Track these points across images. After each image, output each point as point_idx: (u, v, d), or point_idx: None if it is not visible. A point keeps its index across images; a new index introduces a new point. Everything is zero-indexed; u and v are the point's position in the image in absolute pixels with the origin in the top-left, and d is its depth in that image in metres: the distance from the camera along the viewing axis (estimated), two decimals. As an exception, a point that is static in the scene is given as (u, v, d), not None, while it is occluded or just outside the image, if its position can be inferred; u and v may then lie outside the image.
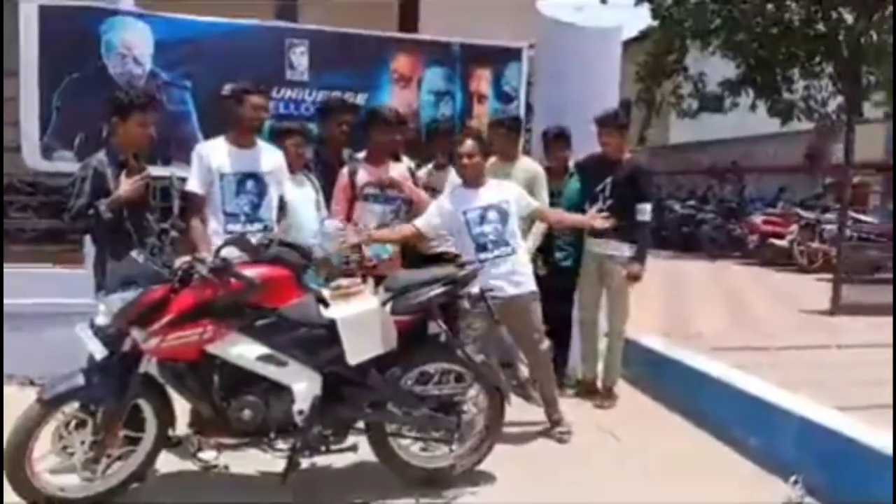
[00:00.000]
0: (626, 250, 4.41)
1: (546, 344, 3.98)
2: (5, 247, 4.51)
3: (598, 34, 4.98)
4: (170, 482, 3.24)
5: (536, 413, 4.08)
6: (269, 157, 3.73)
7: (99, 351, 2.88)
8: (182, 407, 3.13)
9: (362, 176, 4.18)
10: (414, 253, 4.40)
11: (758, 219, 12.13)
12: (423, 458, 3.37)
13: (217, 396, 3.00)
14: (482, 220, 3.79)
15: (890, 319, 6.33)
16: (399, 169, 4.30)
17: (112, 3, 4.59)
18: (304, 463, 3.17)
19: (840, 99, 12.20)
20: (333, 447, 3.17)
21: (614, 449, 3.90)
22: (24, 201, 5.44)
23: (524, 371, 4.32)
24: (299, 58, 4.84)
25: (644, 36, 15.32)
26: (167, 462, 3.23)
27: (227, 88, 3.88)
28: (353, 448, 3.21)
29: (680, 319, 6.62)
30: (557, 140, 4.61)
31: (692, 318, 6.69)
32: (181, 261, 3.00)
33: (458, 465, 3.35)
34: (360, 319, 3.09)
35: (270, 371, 3.01)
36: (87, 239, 3.71)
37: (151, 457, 3.06)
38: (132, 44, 4.53)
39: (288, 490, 3.11)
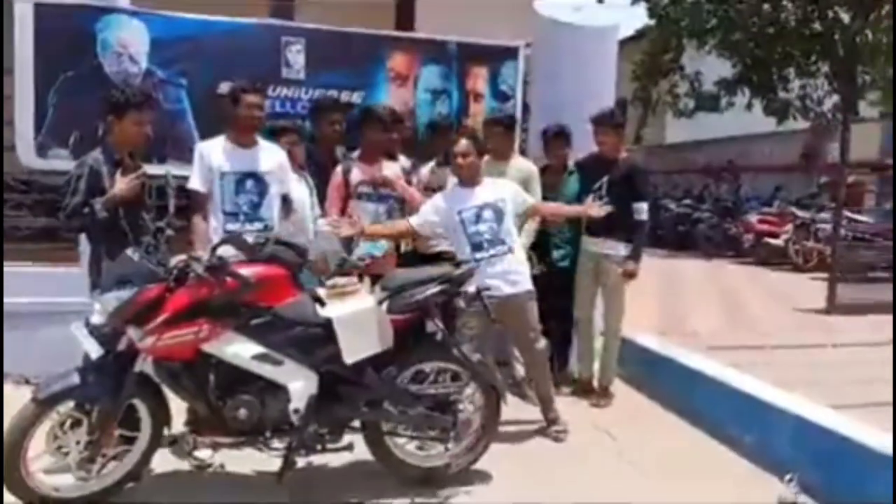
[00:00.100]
0: (621, 249, 4.42)
1: (542, 343, 3.98)
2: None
3: (595, 33, 4.99)
4: (165, 482, 3.23)
5: (533, 412, 4.09)
6: (271, 157, 3.73)
7: (94, 350, 2.88)
8: (178, 406, 3.13)
9: (356, 175, 4.18)
10: (413, 252, 4.41)
11: (753, 218, 12.13)
12: (419, 457, 3.37)
13: (213, 395, 2.99)
14: (477, 219, 3.79)
15: (885, 318, 6.37)
16: (392, 168, 4.30)
17: (108, 1, 4.58)
18: (300, 462, 3.17)
19: (836, 98, 12.25)
20: (329, 446, 3.17)
21: (610, 448, 3.90)
22: (19, 199, 5.42)
23: (520, 370, 4.33)
24: (295, 56, 4.84)
25: (640, 35, 15.35)
26: (163, 461, 3.22)
27: (223, 87, 3.87)
28: (350, 447, 3.20)
29: (675, 318, 6.63)
30: (557, 138, 4.61)
31: (688, 317, 6.70)
32: (177, 259, 2.99)
33: (454, 463, 3.35)
34: (357, 318, 3.09)
35: (266, 370, 3.01)
36: (83, 237, 3.71)
37: (147, 456, 3.05)
38: (128, 42, 4.52)
39: (284, 489, 3.11)
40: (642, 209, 4.41)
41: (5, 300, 4.12)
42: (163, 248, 3.13)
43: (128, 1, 4.71)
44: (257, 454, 3.13)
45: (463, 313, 3.62)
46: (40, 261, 4.71)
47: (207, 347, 2.94)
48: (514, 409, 3.77)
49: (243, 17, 4.81)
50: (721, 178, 17.25)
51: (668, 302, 7.48)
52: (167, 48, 4.60)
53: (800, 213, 11.52)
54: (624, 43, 7.23)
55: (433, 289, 3.22)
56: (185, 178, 3.69)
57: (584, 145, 4.63)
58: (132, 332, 2.87)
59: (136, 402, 2.98)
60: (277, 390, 3.03)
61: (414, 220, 3.88)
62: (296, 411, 3.04)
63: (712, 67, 13.73)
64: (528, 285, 3.88)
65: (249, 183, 3.65)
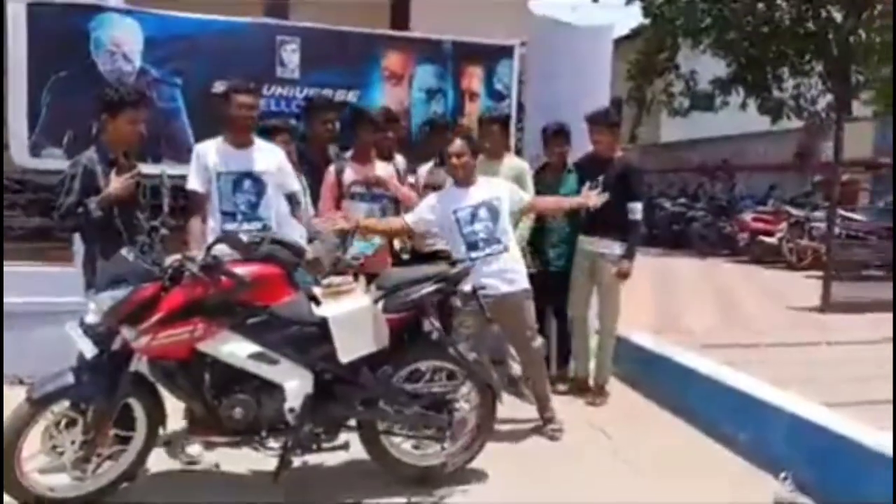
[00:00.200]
0: (616, 248, 4.43)
1: (539, 341, 3.98)
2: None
3: (590, 32, 4.99)
4: (160, 481, 3.22)
5: (528, 411, 4.09)
6: (268, 157, 3.73)
7: (89, 350, 2.87)
8: (173, 406, 3.12)
9: (349, 174, 4.19)
10: (412, 251, 4.41)
11: (748, 216, 12.16)
12: (414, 456, 3.37)
13: (208, 395, 2.99)
14: (473, 218, 3.79)
15: (880, 316, 6.40)
16: (385, 168, 4.30)
17: (101, 0, 4.56)
18: (296, 461, 3.16)
19: (829, 97, 12.29)
20: (325, 445, 3.17)
21: (605, 446, 3.91)
22: (12, 199, 5.40)
23: (516, 368, 4.33)
24: (290, 55, 4.83)
25: (635, 34, 15.37)
26: (158, 461, 3.21)
27: (217, 86, 3.86)
28: (345, 446, 3.20)
29: (670, 317, 6.64)
30: (557, 136, 4.62)
31: (682, 316, 6.71)
32: (171, 259, 2.99)
33: (450, 462, 3.35)
34: (352, 317, 3.09)
35: (262, 369, 3.01)
36: (77, 237, 3.69)
37: (142, 456, 3.05)
38: (121, 41, 4.51)
39: (280, 488, 3.10)
40: (637, 209, 4.42)
41: None
42: (157, 247, 3.11)
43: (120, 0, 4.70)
44: (253, 453, 3.12)
45: (459, 312, 3.63)
46: (34, 260, 4.69)
47: (203, 346, 2.94)
48: (510, 407, 3.77)
49: (238, 16, 4.80)
50: (716, 176, 17.28)
51: (663, 300, 7.49)
52: (161, 47, 4.59)
53: (794, 211, 11.55)
54: (619, 42, 7.25)
55: (429, 288, 3.22)
56: (180, 178, 3.70)
57: (579, 144, 4.64)
58: (127, 332, 2.86)
59: (132, 401, 2.98)
60: (273, 389, 3.03)
61: (409, 218, 3.89)
62: (291, 410, 3.03)
63: (707, 67, 13.76)
64: (524, 284, 3.88)
65: (247, 183, 3.66)
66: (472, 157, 3.87)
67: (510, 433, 3.89)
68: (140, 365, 2.95)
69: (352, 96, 4.94)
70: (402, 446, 3.34)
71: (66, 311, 3.17)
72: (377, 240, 4.16)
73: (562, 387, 4.68)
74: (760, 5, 11.86)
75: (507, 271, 3.80)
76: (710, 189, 16.48)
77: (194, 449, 3.28)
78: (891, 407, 3.54)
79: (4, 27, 4.29)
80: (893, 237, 8.51)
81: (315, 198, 4.17)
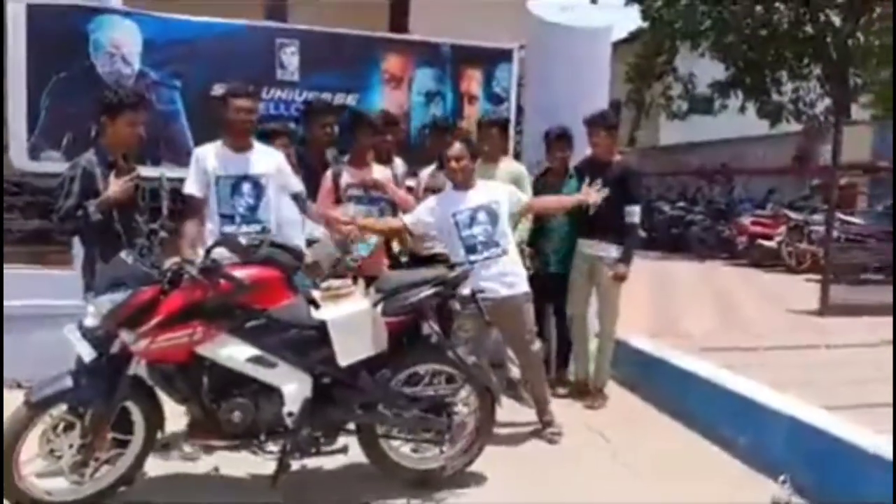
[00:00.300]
0: (614, 251, 4.43)
1: (538, 345, 3.98)
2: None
3: (588, 35, 4.99)
4: (159, 485, 3.22)
5: (527, 414, 4.09)
6: (267, 159, 3.73)
7: (87, 353, 2.86)
8: (171, 409, 3.11)
9: (345, 177, 4.20)
10: (411, 255, 4.41)
11: (746, 220, 12.16)
12: (413, 460, 3.36)
13: (207, 398, 2.98)
14: (472, 221, 3.79)
15: (878, 319, 6.40)
16: (383, 172, 4.30)
17: (100, 2, 4.56)
18: (295, 465, 3.16)
19: (828, 101, 12.32)
20: (324, 449, 3.16)
21: (604, 449, 3.90)
22: (11, 202, 5.39)
23: (515, 372, 4.33)
24: (289, 58, 4.83)
25: (634, 37, 15.39)
26: (156, 465, 3.21)
27: (216, 89, 3.87)
28: (344, 450, 3.20)
29: (669, 320, 6.64)
30: (559, 140, 4.61)
31: (681, 319, 6.70)
32: (171, 262, 2.98)
33: (449, 466, 3.35)
34: (351, 321, 3.08)
35: (260, 373, 3.00)
36: (76, 240, 3.69)
37: (140, 460, 3.04)
38: (121, 43, 4.50)
39: (278, 492, 3.10)
40: (634, 212, 4.42)
41: (-2, 303, 4.10)
42: (156, 250, 3.11)
43: (120, 1, 4.69)
44: (252, 457, 3.12)
45: (458, 316, 3.62)
46: (33, 263, 4.68)
47: (201, 350, 2.93)
48: (509, 411, 3.77)
49: (237, 19, 4.80)
50: (714, 180, 17.29)
51: (662, 304, 7.49)
52: (160, 49, 4.59)
53: (793, 215, 11.56)
54: (617, 45, 7.25)
55: (427, 291, 3.22)
56: (179, 180, 3.69)
57: (578, 147, 4.64)
58: (125, 335, 2.86)
59: (130, 405, 2.97)
60: (272, 393, 3.02)
61: (408, 219, 3.90)
62: (290, 414, 3.03)
63: (706, 70, 13.79)
64: (524, 287, 3.88)
65: (246, 186, 3.66)
66: (471, 161, 3.87)
67: (509, 436, 3.89)
68: (139, 368, 2.95)
69: (351, 99, 4.94)
70: (400, 450, 3.34)
71: (65, 314, 3.16)
72: (373, 240, 4.16)
73: (561, 390, 4.68)
74: (759, 9, 11.89)
75: (506, 274, 3.80)
76: (709, 192, 16.49)
77: (188, 446, 3.27)
78: (889, 410, 3.55)
79: (4, 28, 4.29)
80: (894, 240, 8.51)
81: (313, 201, 4.17)
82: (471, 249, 3.76)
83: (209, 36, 4.67)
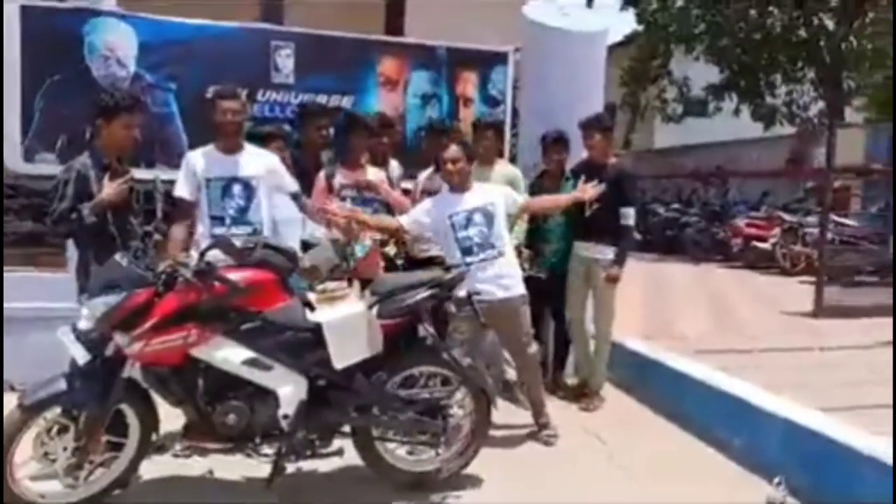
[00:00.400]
0: (609, 254, 4.45)
1: (534, 347, 3.99)
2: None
3: (584, 38, 5.01)
4: (153, 488, 3.21)
5: (523, 416, 4.09)
6: (258, 161, 3.73)
7: (81, 355, 2.85)
8: (166, 412, 3.10)
9: (339, 178, 4.20)
10: (407, 257, 4.41)
11: (741, 222, 12.18)
12: (409, 462, 3.36)
13: (202, 401, 2.97)
14: (468, 223, 3.79)
15: (872, 321, 6.43)
16: (377, 173, 4.30)
17: (95, 4, 4.55)
18: (290, 467, 3.16)
19: (822, 104, 12.36)
20: (319, 451, 3.16)
21: (600, 451, 3.91)
22: (5, 204, 5.36)
23: (511, 374, 4.33)
24: (285, 60, 4.83)
25: (629, 40, 15.44)
26: (151, 468, 3.20)
27: (211, 91, 3.86)
28: (339, 452, 3.20)
29: (664, 322, 6.65)
30: (556, 143, 4.63)
31: (676, 321, 6.71)
32: (165, 264, 2.98)
33: (445, 468, 3.34)
34: (346, 323, 3.08)
35: (255, 375, 2.99)
36: (70, 242, 3.68)
37: (135, 463, 3.03)
38: (115, 45, 4.50)
39: (273, 495, 3.09)
40: (629, 214, 4.43)
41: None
42: (151, 252, 3.11)
43: (114, 3, 4.69)
44: (247, 460, 3.12)
45: (454, 318, 3.63)
46: (27, 266, 4.67)
47: (196, 352, 2.92)
48: (505, 413, 3.77)
49: (232, 21, 4.79)
50: (709, 182, 17.31)
51: (657, 306, 7.50)
52: (155, 52, 4.59)
53: (787, 217, 11.58)
54: (612, 48, 7.26)
55: (423, 293, 3.22)
56: (174, 183, 3.69)
57: (573, 150, 4.65)
58: (120, 338, 2.85)
59: (124, 407, 2.96)
60: (267, 395, 3.02)
61: (404, 220, 3.90)
62: (285, 417, 3.02)
63: (700, 73, 13.81)
64: (520, 289, 3.88)
65: (236, 188, 3.65)
66: (467, 163, 3.87)
67: (505, 439, 3.89)
68: (133, 371, 2.94)
69: (346, 102, 4.95)
70: (396, 452, 3.34)
71: (59, 316, 3.14)
72: (368, 241, 4.15)
73: (558, 392, 4.68)
74: (753, 12, 11.92)
75: (502, 277, 3.80)
76: (704, 195, 16.50)
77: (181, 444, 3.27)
78: (883, 411, 3.56)
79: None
80: (893, 242, 8.54)
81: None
82: (467, 251, 3.77)
83: (204, 38, 4.68)
